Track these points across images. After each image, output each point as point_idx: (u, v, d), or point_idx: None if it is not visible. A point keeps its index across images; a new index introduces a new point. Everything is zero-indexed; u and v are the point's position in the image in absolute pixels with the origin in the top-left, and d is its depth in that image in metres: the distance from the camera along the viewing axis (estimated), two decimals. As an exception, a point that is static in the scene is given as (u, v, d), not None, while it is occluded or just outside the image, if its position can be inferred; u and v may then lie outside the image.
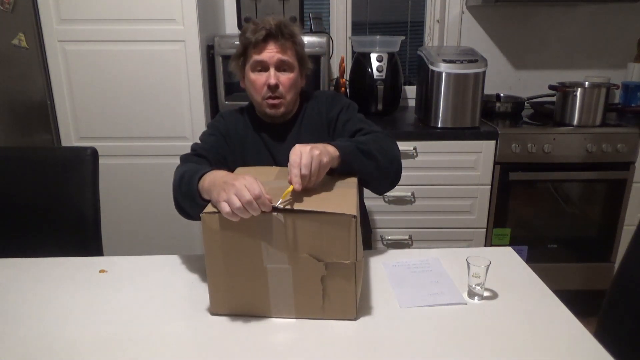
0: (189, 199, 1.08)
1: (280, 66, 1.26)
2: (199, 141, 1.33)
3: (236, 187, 0.87)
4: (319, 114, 1.36)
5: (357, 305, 0.97)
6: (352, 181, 1.07)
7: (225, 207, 0.88)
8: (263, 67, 1.26)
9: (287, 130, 1.35)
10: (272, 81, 1.25)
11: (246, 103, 1.43)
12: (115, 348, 0.90)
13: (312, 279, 0.93)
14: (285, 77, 1.27)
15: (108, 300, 1.06)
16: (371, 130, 1.27)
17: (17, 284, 1.13)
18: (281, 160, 1.31)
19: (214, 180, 0.99)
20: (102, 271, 1.18)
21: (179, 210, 1.17)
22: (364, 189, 1.37)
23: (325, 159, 1.01)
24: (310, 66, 1.36)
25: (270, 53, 1.24)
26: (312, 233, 0.90)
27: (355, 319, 0.96)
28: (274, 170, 1.15)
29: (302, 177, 0.96)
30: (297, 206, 0.91)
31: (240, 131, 1.35)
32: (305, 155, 0.97)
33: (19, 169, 1.47)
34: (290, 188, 0.94)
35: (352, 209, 0.90)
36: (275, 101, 1.28)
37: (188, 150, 1.28)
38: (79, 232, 1.45)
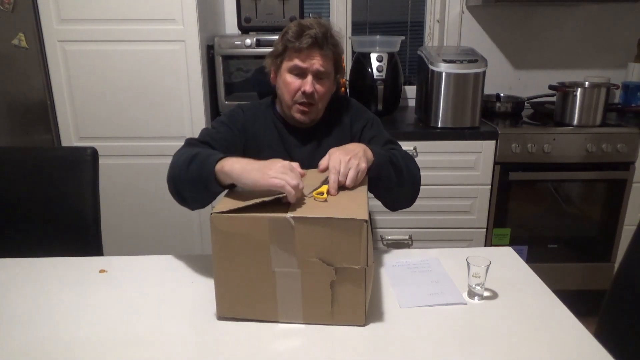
0: (196, 182, 1.05)
1: (318, 75, 1.25)
2: (210, 127, 1.30)
3: (282, 165, 0.94)
4: (341, 124, 1.35)
5: (366, 312, 0.95)
6: (363, 184, 1.06)
7: (287, 187, 0.90)
8: (301, 72, 1.24)
9: (309, 133, 1.33)
10: (309, 89, 1.23)
11: (248, 103, 1.41)
12: (116, 348, 0.90)
13: (322, 283, 0.92)
14: (321, 86, 1.26)
15: (108, 300, 1.05)
16: (391, 148, 1.30)
17: (17, 284, 1.13)
18: (300, 163, 1.30)
19: (245, 164, 0.98)
20: (102, 271, 1.18)
21: (173, 191, 1.13)
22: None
23: (364, 165, 1.07)
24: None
25: (312, 61, 1.23)
26: (322, 237, 0.89)
27: (364, 325, 0.95)
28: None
29: (339, 183, 1.02)
30: (309, 210, 0.91)
31: (258, 128, 1.32)
32: (343, 165, 1.04)
33: (19, 169, 1.47)
34: (325, 188, 1.00)
35: (364, 214, 0.89)
36: (306, 108, 1.26)
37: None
38: (79, 232, 1.45)
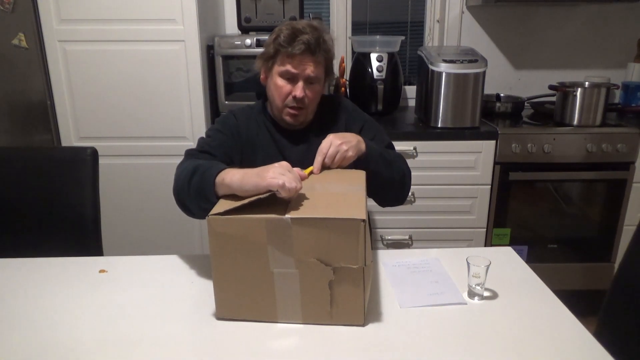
0: (198, 195, 1.05)
1: (309, 80, 1.25)
2: (205, 136, 1.31)
3: (279, 166, 0.95)
4: (336, 124, 1.36)
5: (366, 311, 0.95)
6: (361, 183, 1.06)
7: (286, 186, 0.91)
8: (292, 77, 1.24)
9: (301, 134, 1.34)
10: (300, 94, 1.23)
11: (248, 103, 1.42)
12: (115, 348, 0.90)
13: (320, 283, 0.92)
14: (311, 90, 1.26)
15: (108, 300, 1.05)
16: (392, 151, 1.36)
17: (17, 284, 1.13)
18: (293, 164, 1.30)
19: (244, 174, 0.97)
20: (102, 271, 1.18)
21: (180, 204, 1.15)
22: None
23: (351, 153, 1.15)
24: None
25: (304, 67, 1.23)
26: (319, 237, 0.89)
27: (363, 325, 0.95)
28: None
29: (324, 164, 1.13)
30: (306, 211, 0.90)
31: (252, 132, 1.33)
32: (333, 148, 1.13)
33: (19, 169, 1.47)
34: (310, 169, 1.11)
35: (361, 213, 0.88)
36: (296, 112, 1.27)
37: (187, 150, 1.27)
38: (79, 232, 1.45)
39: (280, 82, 1.25)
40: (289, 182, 0.91)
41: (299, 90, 1.23)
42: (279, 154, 1.32)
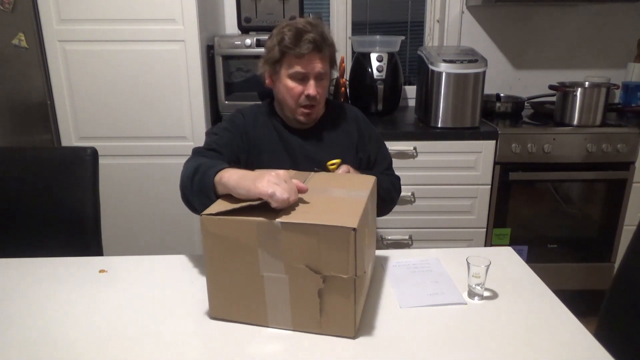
0: (200, 193, 1.06)
1: (319, 76, 1.26)
2: (212, 133, 1.31)
3: (276, 176, 0.91)
4: (348, 135, 1.38)
5: (357, 324, 0.93)
6: (367, 189, 1.03)
7: (275, 196, 0.87)
8: (303, 76, 1.25)
9: (308, 134, 1.35)
10: (313, 92, 1.25)
11: (248, 103, 1.42)
12: (115, 348, 0.90)
13: (309, 291, 0.89)
14: (321, 86, 1.28)
15: (108, 300, 1.05)
16: (390, 174, 1.43)
17: (17, 284, 1.13)
18: (300, 163, 1.29)
19: (241, 176, 0.96)
20: (102, 271, 1.18)
21: (185, 201, 1.15)
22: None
23: None
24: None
25: (313, 65, 1.24)
26: (309, 244, 0.86)
27: (354, 338, 0.92)
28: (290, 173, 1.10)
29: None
30: (297, 216, 0.89)
31: (259, 131, 1.33)
32: (352, 171, 1.26)
33: (19, 169, 1.47)
34: (339, 160, 1.25)
35: (354, 222, 0.84)
36: (310, 110, 1.28)
37: (187, 151, 1.27)
38: (79, 232, 1.45)
39: (291, 83, 1.26)
40: (280, 192, 0.88)
41: (312, 88, 1.24)
42: (285, 153, 1.32)
